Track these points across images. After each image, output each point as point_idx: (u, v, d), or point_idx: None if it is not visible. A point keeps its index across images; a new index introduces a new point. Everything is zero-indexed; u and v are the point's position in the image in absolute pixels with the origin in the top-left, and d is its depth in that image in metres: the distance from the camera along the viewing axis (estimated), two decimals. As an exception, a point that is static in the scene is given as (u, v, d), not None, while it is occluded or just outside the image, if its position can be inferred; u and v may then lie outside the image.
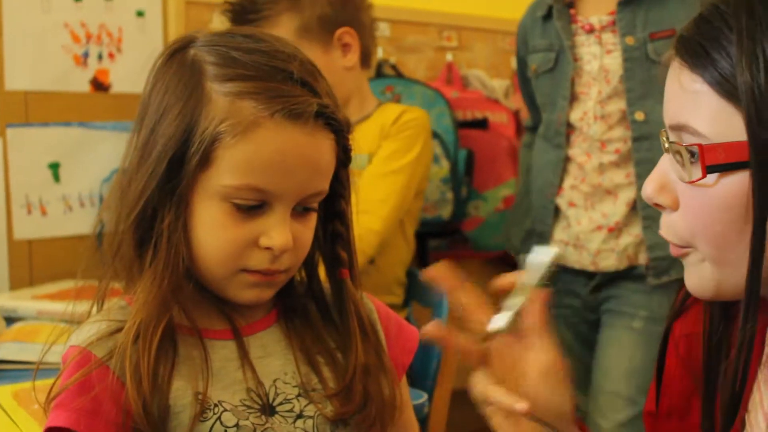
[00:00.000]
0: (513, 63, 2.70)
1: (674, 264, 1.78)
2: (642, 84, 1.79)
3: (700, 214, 0.82)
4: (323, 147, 0.91)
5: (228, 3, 1.81)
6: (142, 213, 0.89)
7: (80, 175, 2.09)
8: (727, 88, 0.78)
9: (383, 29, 2.50)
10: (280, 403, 0.92)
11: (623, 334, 1.87)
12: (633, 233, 1.83)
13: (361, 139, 1.79)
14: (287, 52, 0.91)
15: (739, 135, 0.78)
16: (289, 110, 0.87)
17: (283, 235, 0.89)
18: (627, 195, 1.83)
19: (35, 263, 2.03)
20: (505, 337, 0.89)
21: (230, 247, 0.89)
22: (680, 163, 0.83)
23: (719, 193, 0.80)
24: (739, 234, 0.80)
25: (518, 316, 0.88)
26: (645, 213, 1.80)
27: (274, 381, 0.93)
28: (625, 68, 1.80)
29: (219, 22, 2.21)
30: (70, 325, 0.94)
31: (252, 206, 0.89)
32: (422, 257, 2.37)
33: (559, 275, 1.97)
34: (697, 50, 0.81)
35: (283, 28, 1.74)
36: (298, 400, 0.93)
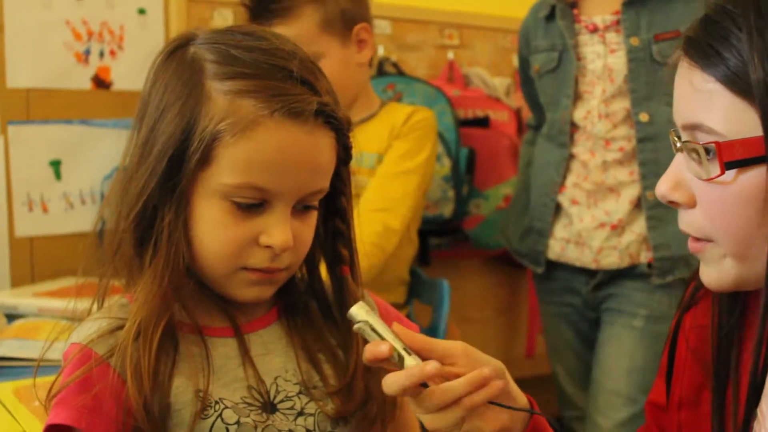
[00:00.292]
0: (514, 61, 2.70)
1: (678, 264, 1.79)
2: (646, 85, 1.80)
3: (720, 210, 0.84)
4: (323, 145, 0.91)
5: None
6: (143, 211, 0.89)
7: (81, 173, 2.09)
8: (740, 86, 0.80)
9: (384, 27, 2.50)
10: (281, 401, 0.92)
11: (624, 332, 1.87)
12: (635, 231, 1.83)
13: (368, 139, 1.80)
14: (287, 50, 0.91)
15: (754, 131, 0.80)
16: (288, 109, 0.87)
17: (284, 234, 0.89)
18: (630, 193, 1.83)
19: (36, 260, 2.03)
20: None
21: (230, 245, 0.89)
22: (696, 161, 0.85)
23: (738, 188, 0.82)
24: (759, 228, 0.82)
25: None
26: (650, 213, 1.80)
27: (275, 378, 0.93)
28: (630, 69, 1.80)
29: (220, 20, 2.21)
30: (71, 322, 0.94)
31: (252, 205, 0.89)
32: (423, 255, 2.37)
33: (559, 273, 1.97)
34: (707, 50, 0.83)
35: (305, 21, 1.74)
36: (299, 398, 0.93)
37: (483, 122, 2.51)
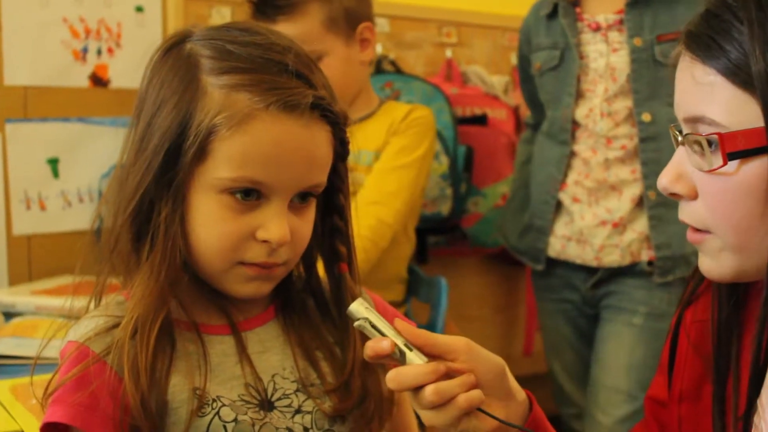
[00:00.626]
0: (512, 59, 2.70)
1: (679, 263, 1.80)
2: (649, 85, 1.80)
3: (722, 201, 0.85)
4: (319, 139, 0.91)
5: None
6: (139, 206, 0.89)
7: (79, 171, 2.09)
8: (741, 78, 0.81)
9: (382, 25, 2.50)
10: (279, 398, 0.92)
11: (623, 329, 1.87)
12: (637, 230, 1.83)
13: (367, 136, 1.80)
14: (282, 45, 0.91)
15: (756, 122, 0.81)
16: (284, 102, 0.87)
17: (281, 228, 0.89)
18: (632, 191, 1.83)
19: (34, 258, 2.03)
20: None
21: (227, 239, 0.89)
22: (699, 154, 0.86)
23: (740, 179, 0.83)
24: (761, 218, 0.83)
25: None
26: (652, 212, 1.80)
27: (273, 376, 0.93)
28: (633, 69, 1.80)
29: (218, 17, 2.21)
30: (68, 320, 0.94)
31: (248, 199, 0.88)
32: (421, 253, 2.37)
33: (558, 270, 1.98)
34: (708, 43, 0.84)
35: (310, 19, 1.73)
36: (297, 395, 0.93)
37: (481, 120, 2.51)
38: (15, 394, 1.31)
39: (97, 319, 0.90)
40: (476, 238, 2.51)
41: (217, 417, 0.88)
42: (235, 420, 0.88)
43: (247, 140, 0.86)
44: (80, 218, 2.07)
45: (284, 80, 0.88)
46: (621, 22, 1.83)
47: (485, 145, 2.42)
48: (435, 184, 2.23)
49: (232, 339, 0.93)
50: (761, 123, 0.81)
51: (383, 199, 1.77)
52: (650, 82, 1.80)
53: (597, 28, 1.85)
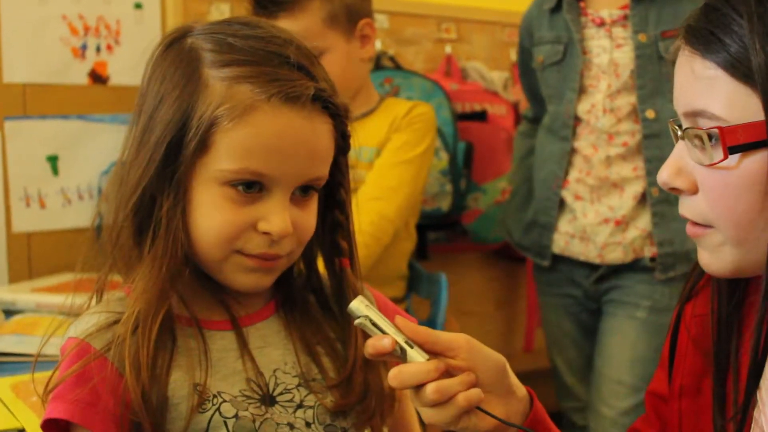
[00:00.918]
0: (512, 55, 2.70)
1: (681, 259, 1.80)
2: (653, 81, 1.79)
3: (723, 195, 0.85)
4: (321, 131, 0.91)
5: None
6: (141, 200, 0.89)
7: (79, 168, 2.09)
8: (741, 71, 0.81)
9: (382, 21, 2.50)
10: (281, 393, 0.92)
11: (626, 323, 1.88)
12: (639, 227, 1.83)
13: (368, 133, 1.80)
14: (283, 38, 0.91)
15: (756, 115, 0.81)
16: (286, 93, 0.87)
17: (283, 221, 0.89)
18: (634, 188, 1.83)
19: (34, 256, 2.03)
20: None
21: (228, 229, 0.88)
22: (699, 148, 0.86)
23: (741, 173, 0.83)
24: (761, 213, 0.83)
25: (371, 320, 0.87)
26: (655, 209, 1.80)
27: (274, 371, 0.93)
28: (637, 66, 1.80)
29: (217, 14, 2.21)
30: (68, 317, 0.94)
31: (251, 191, 0.88)
32: (421, 249, 2.37)
33: (561, 266, 1.98)
34: (708, 37, 0.84)
35: (311, 15, 1.73)
36: (299, 390, 0.93)
37: (480, 116, 2.50)
38: (16, 391, 1.31)
39: (98, 316, 0.90)
40: (476, 234, 2.51)
41: (217, 413, 0.88)
42: (236, 416, 0.88)
43: (249, 132, 0.86)
44: (80, 215, 2.08)
45: (286, 72, 0.88)
46: (625, 17, 1.82)
47: (485, 141, 2.42)
48: (435, 180, 2.23)
49: (233, 334, 0.93)
50: (762, 116, 0.81)
51: (384, 194, 1.77)
52: (654, 78, 1.79)
53: (601, 24, 1.85)
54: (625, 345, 1.88)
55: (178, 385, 0.87)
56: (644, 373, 1.83)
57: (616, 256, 1.86)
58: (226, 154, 0.87)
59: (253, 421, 0.89)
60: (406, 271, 1.98)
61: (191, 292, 0.93)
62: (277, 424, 0.90)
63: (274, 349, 0.95)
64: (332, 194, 0.98)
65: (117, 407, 0.84)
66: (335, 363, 0.96)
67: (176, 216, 0.88)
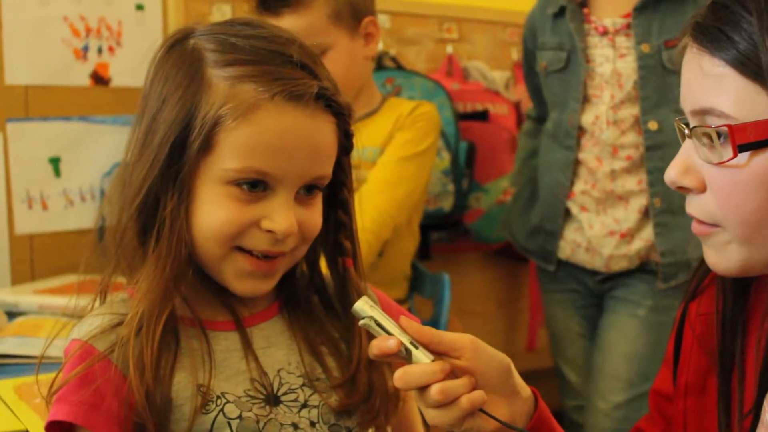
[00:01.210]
0: (514, 54, 2.70)
1: (682, 269, 1.80)
2: (656, 92, 1.79)
3: (732, 193, 0.84)
4: (324, 129, 0.91)
5: None
6: (145, 200, 0.89)
7: (81, 170, 2.09)
8: (751, 68, 0.81)
9: (383, 21, 2.49)
10: (285, 393, 0.92)
11: (627, 320, 1.88)
12: (644, 238, 1.84)
13: (371, 133, 1.79)
14: (286, 37, 0.91)
15: (765, 113, 0.81)
16: (289, 92, 0.87)
17: (287, 219, 0.89)
18: (639, 202, 1.83)
19: (36, 258, 2.03)
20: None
21: (231, 226, 0.88)
22: (708, 146, 0.85)
23: (751, 171, 0.82)
24: None
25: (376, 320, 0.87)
26: (657, 220, 1.80)
27: (279, 371, 0.93)
28: (640, 76, 1.79)
29: (219, 15, 2.21)
30: (71, 319, 0.94)
31: (255, 190, 0.88)
32: (424, 249, 2.37)
33: (567, 267, 1.98)
34: (716, 35, 0.84)
35: (315, 12, 1.73)
36: (303, 390, 0.93)
37: (482, 116, 2.50)
38: (19, 393, 1.31)
39: (101, 317, 0.90)
40: (479, 233, 2.51)
41: (221, 414, 0.88)
42: (240, 416, 0.88)
43: (252, 131, 0.86)
44: (82, 217, 2.07)
45: (289, 71, 0.88)
46: (628, 26, 1.81)
47: (487, 140, 2.42)
48: (437, 180, 2.22)
49: (236, 335, 0.93)
50: None
51: (383, 189, 1.76)
52: (658, 89, 1.78)
53: (604, 32, 1.84)
54: (625, 341, 1.88)
55: (182, 386, 0.87)
56: (641, 370, 1.84)
57: (622, 265, 1.87)
58: (230, 154, 0.87)
59: (257, 421, 0.89)
60: (409, 271, 1.98)
61: (195, 293, 0.93)
62: (281, 424, 0.90)
63: (278, 349, 0.95)
64: (335, 194, 0.98)
65: (121, 409, 0.84)
66: (339, 363, 0.96)
67: (180, 216, 0.88)
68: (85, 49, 2.08)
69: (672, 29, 1.77)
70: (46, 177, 2.04)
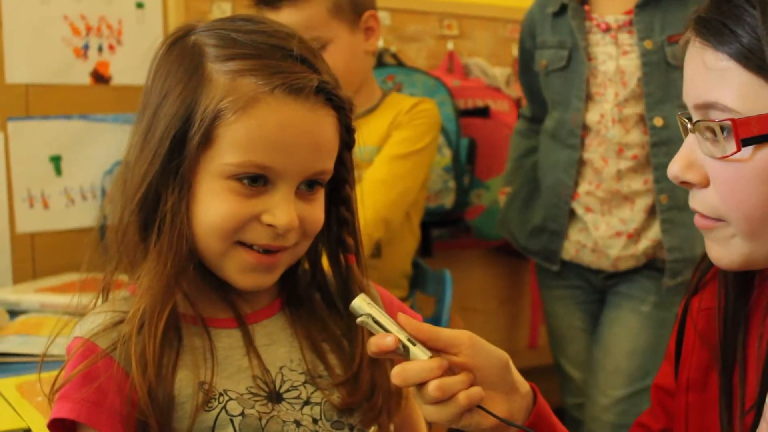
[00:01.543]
0: (514, 51, 2.69)
1: (689, 265, 1.80)
2: (660, 88, 1.78)
3: (735, 187, 0.84)
4: (325, 123, 0.90)
5: None
6: (146, 195, 0.88)
7: (82, 168, 2.09)
8: (754, 62, 0.80)
9: (384, 18, 2.49)
10: (287, 390, 0.92)
11: (629, 315, 1.88)
12: (651, 237, 1.83)
13: (370, 131, 1.78)
14: (286, 32, 0.91)
15: None
16: (289, 85, 0.87)
17: (288, 214, 0.88)
18: (644, 201, 1.82)
19: (38, 256, 2.03)
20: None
21: (231, 220, 0.88)
22: (711, 140, 0.85)
23: (754, 165, 0.82)
24: None
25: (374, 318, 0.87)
26: (664, 216, 1.80)
27: (281, 368, 0.93)
28: (644, 73, 1.78)
29: (219, 13, 2.20)
30: (73, 317, 0.94)
31: (256, 185, 0.88)
32: (425, 246, 2.37)
33: (570, 266, 1.98)
34: (719, 29, 0.83)
35: (315, 5, 1.72)
36: (305, 387, 0.93)
37: (483, 112, 2.50)
38: (21, 391, 1.31)
39: (103, 315, 0.90)
40: (480, 230, 2.51)
41: (224, 411, 0.88)
42: (242, 414, 0.88)
43: (252, 124, 0.86)
44: (83, 216, 2.07)
45: (289, 65, 0.88)
46: (631, 23, 1.80)
47: (488, 137, 2.42)
48: (438, 176, 2.22)
49: (238, 332, 0.93)
50: None
51: (378, 188, 1.74)
52: (662, 85, 1.78)
53: (606, 29, 1.83)
54: (626, 336, 1.88)
55: (184, 383, 0.87)
56: (642, 365, 1.84)
57: (629, 264, 1.87)
58: (230, 148, 0.86)
59: (260, 418, 0.89)
60: (410, 270, 1.97)
61: (196, 291, 0.93)
62: (284, 421, 0.90)
63: (280, 346, 0.95)
64: (337, 190, 0.98)
65: (123, 406, 0.84)
66: (341, 360, 0.96)
67: (181, 211, 0.88)
68: (86, 47, 2.08)
69: (674, 24, 1.77)
70: (47, 176, 2.04)
